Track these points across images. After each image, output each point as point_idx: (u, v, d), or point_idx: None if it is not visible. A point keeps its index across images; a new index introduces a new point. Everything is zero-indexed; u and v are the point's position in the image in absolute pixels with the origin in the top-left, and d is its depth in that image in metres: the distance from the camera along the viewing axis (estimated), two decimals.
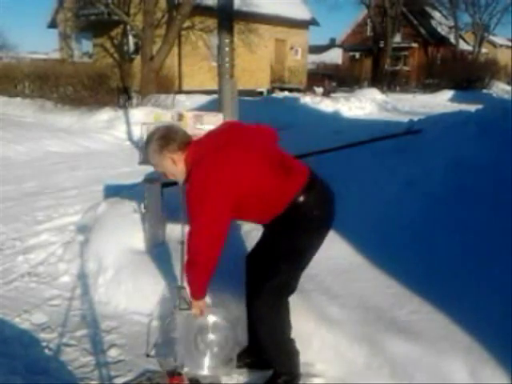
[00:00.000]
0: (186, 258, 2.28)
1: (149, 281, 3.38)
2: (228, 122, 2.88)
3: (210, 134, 2.42)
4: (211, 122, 3.30)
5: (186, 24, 18.16)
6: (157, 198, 3.77)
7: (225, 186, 2.13)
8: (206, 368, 2.43)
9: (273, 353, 2.49)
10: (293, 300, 2.51)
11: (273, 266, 2.34)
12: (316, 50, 39.68)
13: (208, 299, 3.02)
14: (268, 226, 2.43)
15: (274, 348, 2.47)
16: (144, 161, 3.29)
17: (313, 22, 27.62)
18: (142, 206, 3.88)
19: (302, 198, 2.25)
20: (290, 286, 2.41)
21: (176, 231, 3.39)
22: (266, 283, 2.35)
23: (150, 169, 5.03)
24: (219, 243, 2.16)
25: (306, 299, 2.85)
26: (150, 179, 3.87)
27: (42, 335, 3.05)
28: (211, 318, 2.45)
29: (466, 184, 4.07)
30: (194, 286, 2.31)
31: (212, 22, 16.55)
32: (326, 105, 16.71)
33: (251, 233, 3.30)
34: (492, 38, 41.12)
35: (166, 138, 2.30)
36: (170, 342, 2.60)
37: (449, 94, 23.74)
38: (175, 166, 2.30)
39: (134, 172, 6.35)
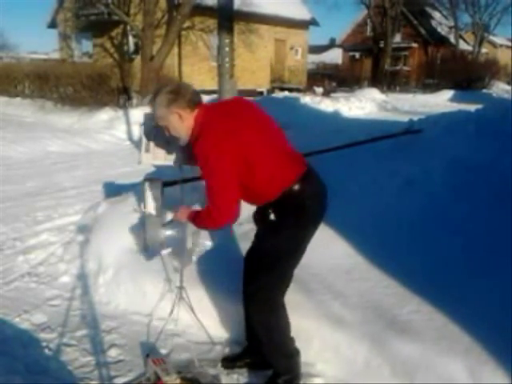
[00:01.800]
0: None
1: (149, 281, 3.38)
2: (239, 97, 2.78)
3: (221, 104, 2.47)
4: None
5: (186, 24, 18.15)
6: (157, 197, 3.76)
7: (233, 152, 2.15)
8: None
9: (273, 354, 2.48)
10: (294, 299, 2.51)
11: (262, 268, 2.35)
12: (316, 50, 39.67)
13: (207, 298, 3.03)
14: (260, 222, 2.41)
15: (273, 349, 2.46)
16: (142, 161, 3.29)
17: (313, 22, 27.62)
18: (142, 205, 3.88)
19: (297, 187, 2.25)
20: (281, 286, 2.41)
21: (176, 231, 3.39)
22: (256, 285, 2.35)
23: (150, 169, 5.05)
24: (235, 205, 2.21)
25: (307, 298, 2.86)
26: (149, 179, 3.86)
27: (42, 335, 3.04)
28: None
29: (466, 183, 4.08)
30: (199, 226, 2.45)
31: (212, 22, 16.57)
32: (326, 105, 16.68)
33: (250, 233, 3.29)
34: (492, 38, 41.12)
35: (176, 92, 2.29)
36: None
37: (449, 93, 23.73)
38: (181, 122, 2.30)
39: (134, 172, 6.35)
